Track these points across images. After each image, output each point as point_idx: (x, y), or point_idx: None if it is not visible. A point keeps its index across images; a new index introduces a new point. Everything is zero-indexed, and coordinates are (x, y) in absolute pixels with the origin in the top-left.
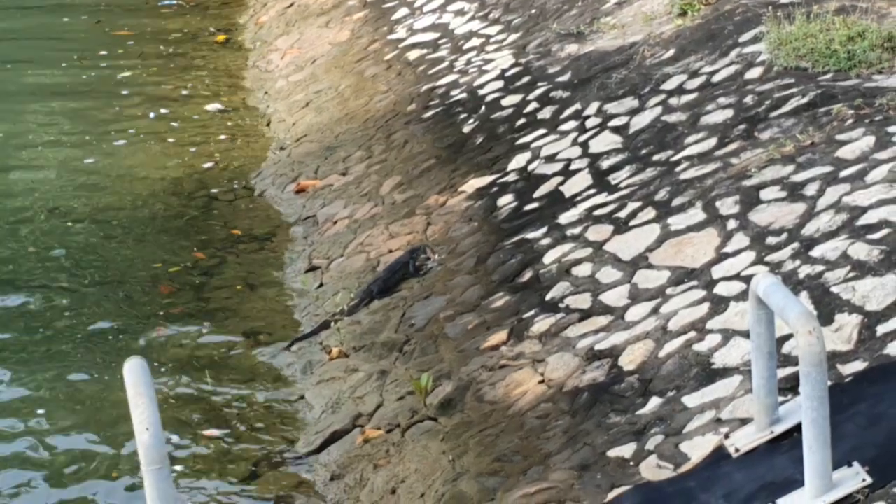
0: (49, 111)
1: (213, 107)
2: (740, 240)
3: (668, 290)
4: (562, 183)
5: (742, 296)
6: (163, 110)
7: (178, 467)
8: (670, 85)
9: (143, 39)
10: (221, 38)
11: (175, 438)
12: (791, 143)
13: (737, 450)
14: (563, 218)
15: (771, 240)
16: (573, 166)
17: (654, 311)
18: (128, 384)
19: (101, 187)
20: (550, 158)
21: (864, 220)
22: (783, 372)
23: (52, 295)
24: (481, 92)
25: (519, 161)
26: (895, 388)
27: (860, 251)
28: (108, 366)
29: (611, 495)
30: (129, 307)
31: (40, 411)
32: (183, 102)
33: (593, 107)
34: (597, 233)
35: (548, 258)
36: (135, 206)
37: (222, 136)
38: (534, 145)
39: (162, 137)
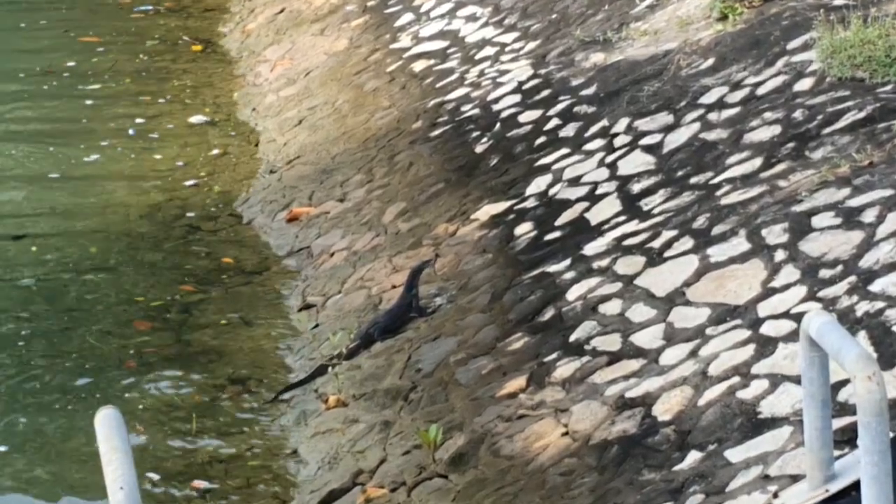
0: (13, 128)
1: (196, 119)
2: (790, 273)
3: (709, 330)
4: (587, 209)
5: (792, 336)
6: (139, 120)
7: None
8: (709, 98)
9: (115, 47)
10: (198, 47)
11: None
12: (846, 164)
13: None
14: (589, 249)
15: (824, 273)
16: (600, 190)
17: (693, 353)
18: (100, 437)
19: (72, 210)
20: (574, 181)
21: None
22: (839, 422)
23: (20, 330)
24: (496, 107)
25: (539, 185)
26: None
27: None
28: (79, 411)
29: None
30: (104, 345)
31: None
32: (160, 119)
33: (622, 123)
34: (627, 265)
35: (571, 294)
36: (109, 231)
37: (207, 154)
38: (555, 167)
39: (139, 154)
